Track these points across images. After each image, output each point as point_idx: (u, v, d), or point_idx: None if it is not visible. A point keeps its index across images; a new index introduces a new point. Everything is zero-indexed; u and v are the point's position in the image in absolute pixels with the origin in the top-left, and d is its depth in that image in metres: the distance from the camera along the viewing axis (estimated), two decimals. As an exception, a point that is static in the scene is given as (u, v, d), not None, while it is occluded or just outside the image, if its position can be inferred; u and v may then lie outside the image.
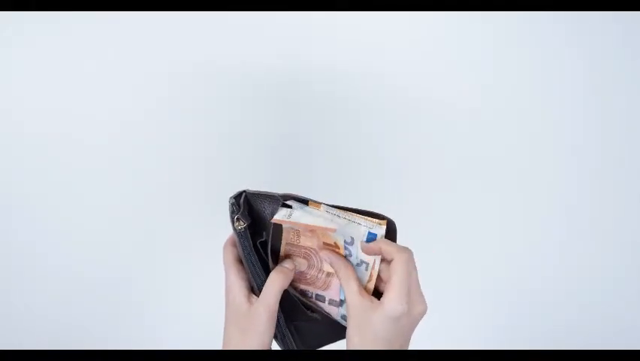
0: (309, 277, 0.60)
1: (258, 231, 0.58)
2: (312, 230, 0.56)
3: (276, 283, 0.57)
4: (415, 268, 0.55)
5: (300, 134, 0.97)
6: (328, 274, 0.59)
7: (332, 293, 0.60)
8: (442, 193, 1.00)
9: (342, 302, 0.59)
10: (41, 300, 1.01)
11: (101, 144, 0.95)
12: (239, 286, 0.58)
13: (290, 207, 0.57)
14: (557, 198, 1.01)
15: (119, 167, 0.97)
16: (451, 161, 0.99)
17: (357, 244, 0.56)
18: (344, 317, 0.60)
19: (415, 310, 0.54)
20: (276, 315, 0.58)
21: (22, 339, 1.01)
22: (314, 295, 0.61)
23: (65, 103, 0.94)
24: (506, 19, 0.93)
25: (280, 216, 0.55)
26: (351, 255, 0.57)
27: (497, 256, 1.04)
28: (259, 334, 0.57)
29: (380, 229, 0.55)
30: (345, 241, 0.57)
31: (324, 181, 0.99)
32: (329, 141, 0.97)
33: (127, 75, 0.94)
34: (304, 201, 0.58)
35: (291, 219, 0.55)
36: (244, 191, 0.57)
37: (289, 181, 0.99)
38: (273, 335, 0.58)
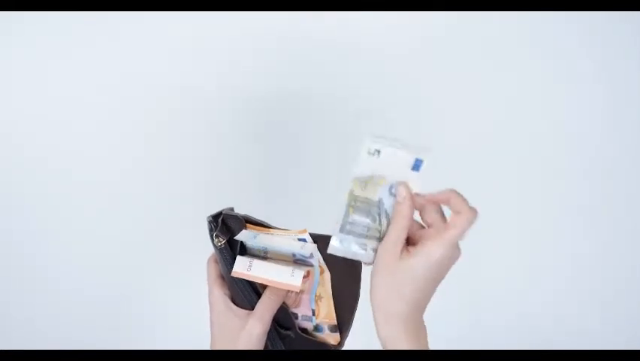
0: None
1: (234, 246, 0.60)
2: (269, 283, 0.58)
3: (272, 298, 0.59)
4: None
5: (298, 135, 0.97)
6: (299, 292, 0.60)
7: (303, 309, 0.61)
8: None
9: (313, 312, 0.61)
10: (41, 301, 1.01)
11: (100, 149, 0.96)
12: (223, 301, 0.60)
13: (249, 233, 0.59)
14: (562, 196, 1.01)
15: (118, 171, 0.97)
16: (452, 161, 0.99)
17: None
18: (317, 328, 0.61)
19: (455, 255, 0.55)
20: (267, 330, 0.59)
21: (22, 339, 1.01)
22: None
23: (61, 109, 0.94)
24: (508, 20, 0.93)
25: (240, 268, 0.57)
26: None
27: (497, 256, 1.04)
28: (251, 346, 0.58)
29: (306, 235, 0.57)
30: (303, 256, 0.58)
31: (322, 190, 0.99)
32: (327, 143, 0.98)
33: (127, 80, 0.94)
34: (248, 222, 0.59)
35: (251, 273, 0.57)
36: (222, 212, 0.60)
37: (286, 186, 0.99)
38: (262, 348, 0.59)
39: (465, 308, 1.06)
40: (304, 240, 0.58)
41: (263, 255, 0.61)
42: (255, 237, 0.58)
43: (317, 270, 0.59)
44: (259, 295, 0.59)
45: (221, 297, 0.60)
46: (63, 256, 0.99)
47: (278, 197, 1.00)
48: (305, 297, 0.60)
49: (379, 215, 0.57)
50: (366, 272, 0.59)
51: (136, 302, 1.04)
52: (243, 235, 0.58)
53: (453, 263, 0.55)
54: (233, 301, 0.60)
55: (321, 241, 0.58)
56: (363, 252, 0.57)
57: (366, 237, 0.57)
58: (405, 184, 0.56)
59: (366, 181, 0.56)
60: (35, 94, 0.93)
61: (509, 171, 1.00)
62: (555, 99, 0.97)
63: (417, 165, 0.56)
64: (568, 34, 0.95)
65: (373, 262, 0.57)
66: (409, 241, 0.57)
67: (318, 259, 0.59)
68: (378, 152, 0.55)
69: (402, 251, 0.55)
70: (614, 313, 1.05)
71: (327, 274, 0.59)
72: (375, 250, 0.57)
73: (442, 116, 0.97)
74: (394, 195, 0.56)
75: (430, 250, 0.53)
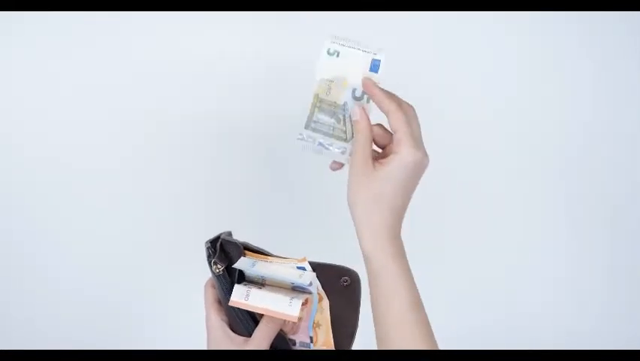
0: None
1: (232, 272, 0.60)
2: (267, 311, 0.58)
3: (270, 325, 0.59)
4: (416, 120, 0.58)
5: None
6: (297, 319, 0.59)
7: (302, 336, 0.61)
8: (439, 194, 1.00)
9: (311, 339, 0.61)
10: (41, 301, 1.01)
11: (99, 149, 0.96)
12: (221, 327, 0.60)
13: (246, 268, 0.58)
14: (562, 196, 1.01)
15: (118, 171, 0.97)
16: (453, 162, 0.99)
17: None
18: None
19: (425, 161, 0.57)
20: None
21: (22, 339, 1.01)
22: None
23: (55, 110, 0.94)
24: (506, 20, 0.93)
25: (237, 297, 0.57)
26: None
27: (497, 256, 1.04)
28: None
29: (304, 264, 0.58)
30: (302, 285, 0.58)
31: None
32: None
33: (127, 81, 0.94)
34: (247, 249, 0.60)
35: (248, 302, 0.57)
36: (220, 236, 0.60)
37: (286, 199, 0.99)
38: None
39: (465, 308, 1.06)
40: (303, 268, 0.58)
41: (261, 282, 0.61)
42: (253, 265, 0.58)
43: (315, 297, 0.59)
44: (257, 322, 0.59)
45: (219, 323, 0.60)
46: (63, 256, 0.99)
47: (276, 200, 1.00)
48: (303, 324, 0.60)
49: (344, 117, 0.60)
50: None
51: (136, 302, 1.04)
52: (241, 263, 0.58)
53: (423, 170, 0.58)
54: (231, 328, 0.60)
55: (320, 269, 0.58)
56: (328, 150, 0.60)
57: (332, 136, 0.60)
58: (358, 105, 0.59)
59: (329, 85, 0.60)
60: (35, 94, 0.93)
61: (510, 172, 1.00)
62: (555, 99, 0.97)
63: (374, 66, 0.59)
64: (568, 34, 0.95)
65: (343, 164, 0.60)
66: (384, 155, 0.59)
67: (316, 287, 0.59)
68: (338, 53, 0.59)
69: (374, 163, 0.57)
70: (614, 313, 1.05)
71: (326, 302, 0.59)
72: (341, 150, 0.60)
73: (441, 117, 0.97)
74: (358, 99, 0.60)
75: (402, 156, 0.55)
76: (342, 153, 0.60)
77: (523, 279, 1.05)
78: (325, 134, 0.60)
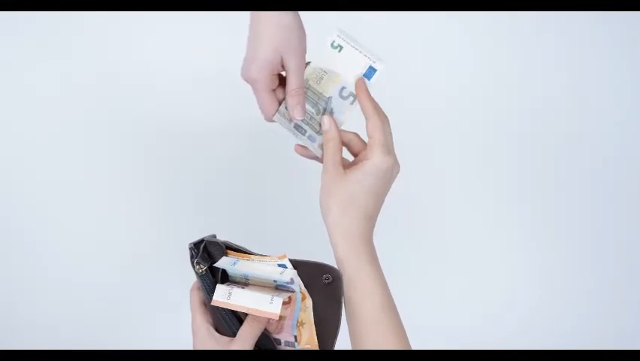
0: None
1: (215, 273, 0.60)
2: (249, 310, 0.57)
3: (254, 324, 0.59)
4: (390, 130, 0.60)
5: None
6: (280, 318, 0.59)
7: (286, 335, 0.61)
8: (434, 194, 1.00)
9: (295, 338, 0.61)
10: (41, 301, 1.01)
11: (99, 151, 0.96)
12: (206, 328, 0.60)
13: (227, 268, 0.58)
14: (561, 197, 1.02)
15: (117, 172, 0.97)
16: (453, 163, 0.99)
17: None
18: None
19: (395, 168, 0.59)
20: None
21: (22, 339, 1.02)
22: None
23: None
24: (501, 19, 0.94)
25: (219, 296, 0.57)
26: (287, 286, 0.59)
27: (496, 257, 1.04)
28: None
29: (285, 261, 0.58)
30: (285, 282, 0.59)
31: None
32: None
33: (123, 83, 0.94)
34: (229, 248, 0.60)
35: (230, 301, 0.57)
36: (203, 239, 0.60)
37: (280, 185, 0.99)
38: None
39: (465, 308, 1.06)
40: (284, 266, 0.58)
41: (244, 281, 0.61)
42: (234, 263, 0.59)
43: (298, 295, 0.59)
44: (242, 322, 0.59)
45: (204, 325, 0.61)
46: (63, 257, 1.00)
47: (259, 200, 1.00)
48: (287, 323, 0.60)
49: (325, 110, 0.61)
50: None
51: (136, 302, 1.04)
52: (223, 262, 0.59)
53: (393, 177, 0.60)
54: (217, 329, 0.61)
55: (302, 267, 0.58)
56: (302, 135, 0.62)
57: (308, 124, 0.62)
58: (328, 116, 0.61)
59: (322, 75, 0.61)
60: (35, 94, 0.93)
61: (508, 173, 1.00)
62: (555, 98, 0.98)
63: (369, 73, 0.60)
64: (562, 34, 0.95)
65: (309, 152, 0.62)
66: (355, 162, 0.61)
67: (299, 285, 0.59)
68: (340, 48, 0.60)
69: (345, 169, 0.59)
70: (614, 313, 1.05)
71: (309, 300, 0.60)
72: (311, 139, 0.62)
73: (439, 118, 0.97)
74: (344, 98, 0.61)
75: (373, 161, 0.57)
76: (312, 142, 0.62)
77: (523, 280, 1.05)
78: (302, 120, 0.62)
